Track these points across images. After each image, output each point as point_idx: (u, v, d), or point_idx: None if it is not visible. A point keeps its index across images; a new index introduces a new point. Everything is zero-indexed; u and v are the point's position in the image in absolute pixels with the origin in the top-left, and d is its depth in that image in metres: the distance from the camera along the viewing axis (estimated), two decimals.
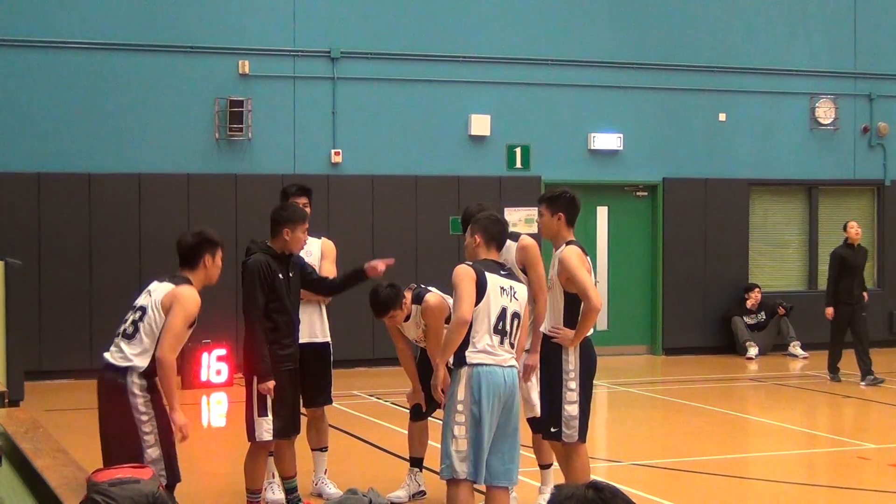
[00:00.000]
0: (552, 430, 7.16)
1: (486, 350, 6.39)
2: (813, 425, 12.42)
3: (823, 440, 11.28)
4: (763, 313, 16.87)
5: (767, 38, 17.48)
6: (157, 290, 6.43)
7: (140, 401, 6.27)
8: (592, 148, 16.56)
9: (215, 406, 12.98)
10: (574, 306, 7.12)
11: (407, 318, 7.99)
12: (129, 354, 6.32)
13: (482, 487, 6.70)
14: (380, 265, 7.69)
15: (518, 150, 16.23)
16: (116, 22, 14.66)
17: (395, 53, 15.72)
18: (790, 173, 17.61)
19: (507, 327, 6.46)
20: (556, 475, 8.30)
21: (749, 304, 16.79)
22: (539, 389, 7.43)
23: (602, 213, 16.76)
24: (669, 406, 13.10)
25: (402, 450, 8.72)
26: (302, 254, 8.09)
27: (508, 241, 7.75)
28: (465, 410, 6.36)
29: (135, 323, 6.37)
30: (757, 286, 16.93)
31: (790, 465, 10.07)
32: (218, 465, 10.11)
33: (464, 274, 6.44)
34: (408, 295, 7.92)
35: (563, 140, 16.44)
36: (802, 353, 16.60)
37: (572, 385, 7.10)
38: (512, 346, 6.51)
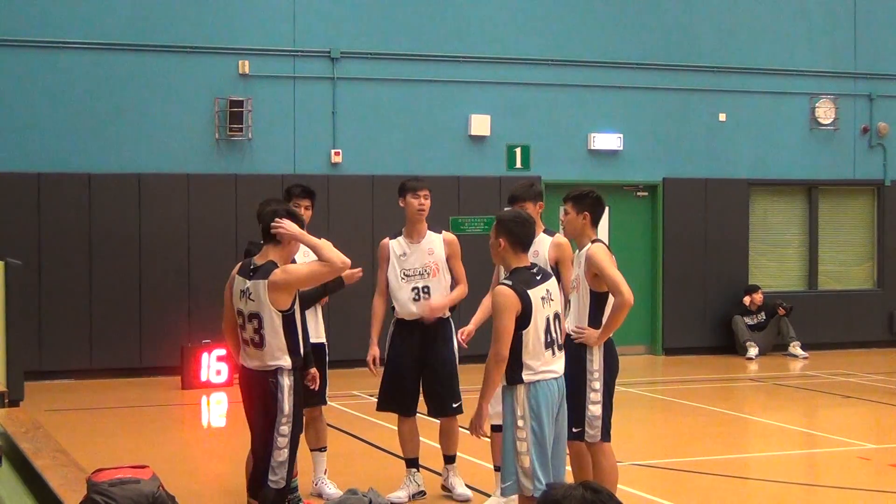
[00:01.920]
0: (574, 430, 7.09)
1: (542, 369, 6.23)
2: (813, 425, 12.42)
3: (823, 440, 11.28)
4: (763, 313, 16.87)
5: (768, 38, 17.48)
6: (256, 290, 6.35)
7: (286, 402, 6.37)
8: (592, 148, 16.56)
9: (215, 406, 12.98)
10: (601, 305, 7.06)
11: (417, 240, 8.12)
12: (270, 360, 6.37)
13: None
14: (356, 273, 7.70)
15: (518, 150, 16.23)
16: (116, 22, 14.66)
17: (395, 53, 15.72)
18: (790, 173, 17.61)
19: (554, 334, 6.30)
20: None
21: (748, 304, 16.78)
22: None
23: None
24: (669, 406, 13.10)
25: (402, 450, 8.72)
26: (300, 254, 8.08)
27: (543, 235, 7.75)
28: (526, 427, 6.20)
29: (257, 331, 6.37)
30: (759, 288, 16.92)
31: (790, 466, 10.07)
32: (218, 465, 10.10)
33: (505, 305, 6.12)
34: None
35: (563, 140, 16.44)
36: (802, 353, 16.60)
37: (596, 385, 7.05)
38: (560, 347, 6.36)
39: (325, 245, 6.39)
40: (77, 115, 14.48)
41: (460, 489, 8.28)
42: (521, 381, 6.20)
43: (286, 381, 6.38)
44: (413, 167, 15.54)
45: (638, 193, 17.09)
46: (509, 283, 6.20)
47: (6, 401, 7.81)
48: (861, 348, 17.51)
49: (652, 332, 17.00)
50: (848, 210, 18.08)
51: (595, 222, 7.24)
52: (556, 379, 6.29)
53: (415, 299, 8.16)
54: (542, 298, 6.25)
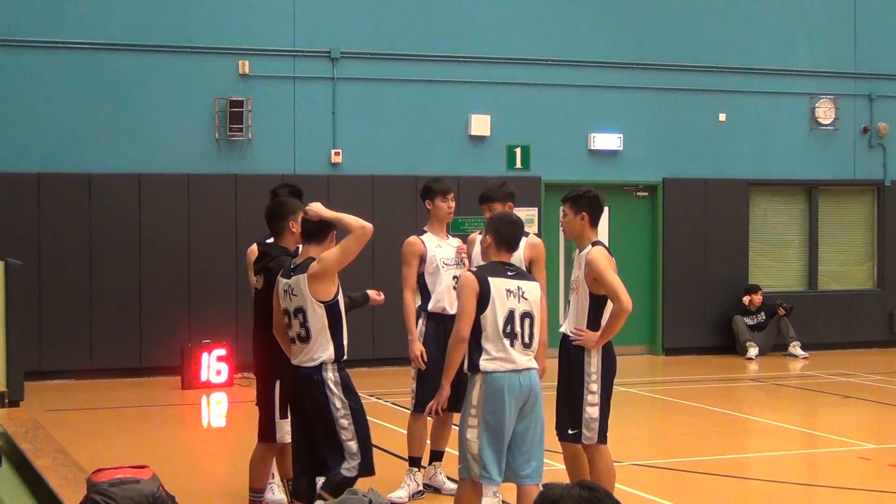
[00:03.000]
0: (570, 431, 7.13)
1: (499, 357, 6.35)
2: (813, 425, 12.42)
3: (823, 440, 11.28)
4: (763, 313, 16.86)
5: (768, 38, 17.48)
6: (298, 285, 6.59)
7: (336, 396, 6.53)
8: (592, 148, 16.56)
9: (215, 406, 12.98)
10: (599, 308, 7.09)
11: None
12: (315, 353, 6.56)
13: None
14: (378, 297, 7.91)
15: (518, 150, 16.23)
16: (116, 22, 14.66)
17: (395, 53, 15.72)
18: (790, 173, 17.61)
19: (518, 329, 6.40)
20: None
21: (748, 304, 16.77)
22: (559, 390, 7.34)
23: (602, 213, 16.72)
24: (669, 406, 13.10)
25: (402, 450, 8.73)
26: None
27: None
28: (479, 415, 6.36)
29: (302, 325, 6.58)
30: (759, 288, 16.90)
31: (790, 465, 10.07)
32: (218, 465, 10.11)
33: (464, 285, 6.41)
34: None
35: (563, 140, 16.44)
36: (802, 353, 16.59)
37: (594, 387, 7.08)
38: (526, 345, 6.44)
39: (345, 216, 6.67)
40: (77, 115, 14.48)
41: (451, 484, 8.31)
42: (478, 369, 6.37)
43: (331, 376, 6.54)
44: (413, 167, 15.55)
45: (638, 193, 17.09)
46: (474, 269, 6.54)
47: (6, 401, 7.80)
48: (861, 348, 17.51)
49: (652, 332, 17.00)
50: (848, 210, 18.08)
51: (594, 222, 7.28)
52: (517, 372, 6.38)
53: (454, 288, 8.22)
54: (508, 290, 6.40)
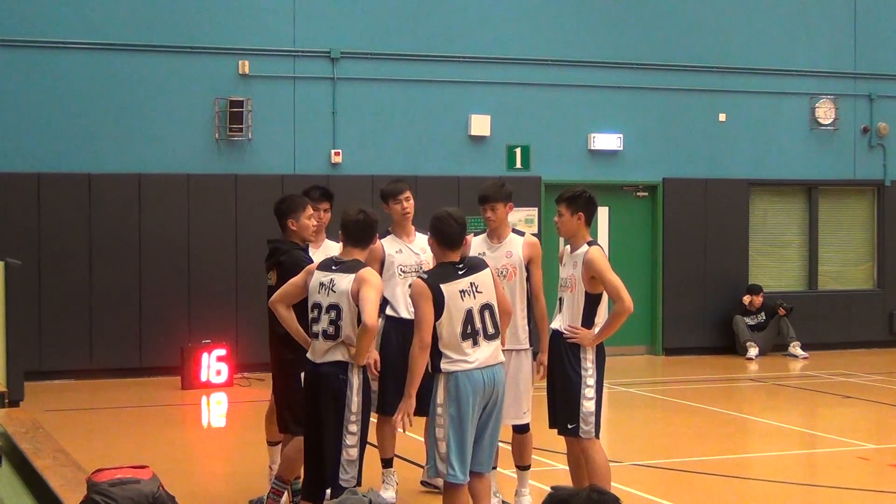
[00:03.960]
0: (569, 426, 7.19)
1: (460, 359, 6.39)
2: (813, 425, 12.42)
3: (823, 440, 11.29)
4: (763, 313, 16.86)
5: (768, 38, 17.47)
6: (340, 283, 6.57)
7: (354, 401, 6.54)
8: (592, 148, 16.56)
9: (215, 406, 12.98)
10: (594, 306, 7.16)
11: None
12: (342, 353, 6.56)
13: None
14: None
15: (518, 151, 16.23)
16: (116, 22, 14.65)
17: (395, 53, 15.71)
18: (790, 173, 17.61)
19: (478, 325, 6.44)
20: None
21: (748, 304, 16.76)
22: (553, 387, 7.37)
23: (602, 213, 16.73)
24: (669, 406, 13.10)
25: (402, 450, 8.73)
26: (320, 255, 8.05)
27: (513, 235, 7.82)
28: (444, 413, 6.41)
29: (333, 323, 6.56)
30: (761, 289, 16.87)
31: (790, 466, 10.07)
32: (218, 465, 10.11)
33: (419, 294, 6.39)
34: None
35: (563, 140, 16.43)
36: (802, 353, 16.59)
37: (590, 382, 7.20)
38: (491, 336, 6.48)
39: (369, 339, 6.57)
40: (77, 115, 14.47)
41: None
42: (440, 369, 6.41)
43: (356, 379, 6.55)
44: (413, 167, 15.54)
45: (638, 193, 17.08)
46: (424, 276, 6.53)
47: (6, 401, 7.81)
48: (861, 348, 17.51)
49: (652, 332, 17.00)
50: (848, 210, 18.08)
51: (589, 221, 7.38)
52: (481, 369, 6.41)
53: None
54: (462, 291, 6.42)
